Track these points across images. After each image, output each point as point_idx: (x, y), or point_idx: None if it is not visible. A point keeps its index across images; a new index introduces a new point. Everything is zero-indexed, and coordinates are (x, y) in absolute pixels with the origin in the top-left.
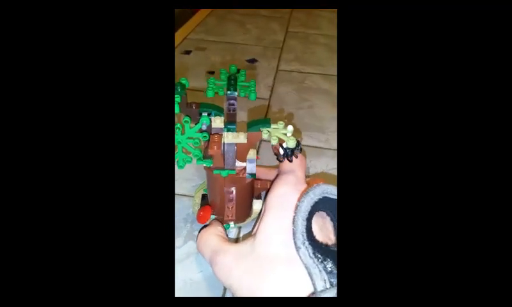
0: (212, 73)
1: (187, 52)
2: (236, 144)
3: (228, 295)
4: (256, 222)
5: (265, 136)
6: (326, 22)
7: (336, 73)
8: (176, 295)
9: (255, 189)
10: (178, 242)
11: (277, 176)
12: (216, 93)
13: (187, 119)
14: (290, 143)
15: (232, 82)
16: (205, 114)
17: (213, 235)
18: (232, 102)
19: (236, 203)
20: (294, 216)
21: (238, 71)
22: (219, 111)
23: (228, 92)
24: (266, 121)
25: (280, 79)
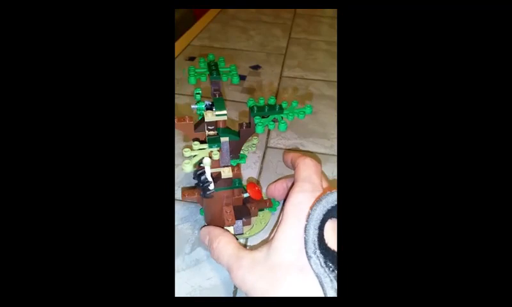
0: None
1: (191, 59)
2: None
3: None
4: (273, 229)
5: (194, 146)
6: (327, 27)
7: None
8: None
9: (224, 213)
10: (186, 248)
11: (293, 183)
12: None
13: (198, 91)
14: (185, 167)
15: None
16: (208, 102)
17: (229, 243)
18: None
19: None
20: (306, 224)
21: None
22: (219, 107)
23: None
24: (216, 140)
25: (284, 86)
